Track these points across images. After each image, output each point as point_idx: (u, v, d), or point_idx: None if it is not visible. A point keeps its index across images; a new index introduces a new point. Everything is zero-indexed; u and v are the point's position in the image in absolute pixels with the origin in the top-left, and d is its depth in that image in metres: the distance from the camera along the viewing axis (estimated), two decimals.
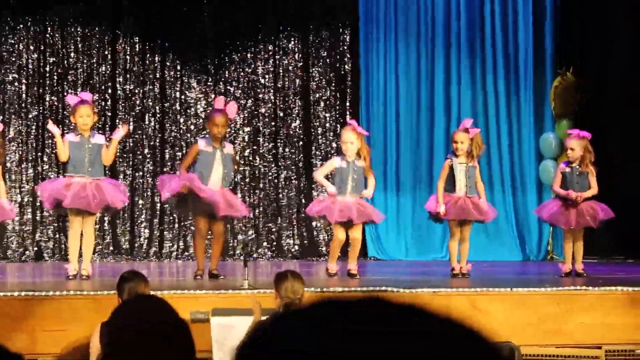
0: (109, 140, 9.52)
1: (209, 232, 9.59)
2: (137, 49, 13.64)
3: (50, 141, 12.93)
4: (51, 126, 9.34)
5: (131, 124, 13.48)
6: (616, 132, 13.51)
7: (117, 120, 13.43)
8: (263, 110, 13.84)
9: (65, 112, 12.79)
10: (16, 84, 13.31)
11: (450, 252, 9.93)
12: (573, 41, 14.00)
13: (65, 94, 12.75)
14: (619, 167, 13.27)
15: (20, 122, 13.28)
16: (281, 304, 5.83)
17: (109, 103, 13.51)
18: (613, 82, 13.68)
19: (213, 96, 13.31)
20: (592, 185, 9.78)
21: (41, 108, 13.30)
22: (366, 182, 9.72)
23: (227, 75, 13.79)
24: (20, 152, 13.24)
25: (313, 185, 13.62)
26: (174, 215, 13.38)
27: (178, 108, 13.68)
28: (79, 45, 13.47)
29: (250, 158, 13.78)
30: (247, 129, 13.79)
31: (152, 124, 13.65)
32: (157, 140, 13.61)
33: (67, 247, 9.74)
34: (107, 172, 9.91)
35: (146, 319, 2.90)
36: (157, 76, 13.68)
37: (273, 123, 13.83)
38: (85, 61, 13.48)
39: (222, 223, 9.46)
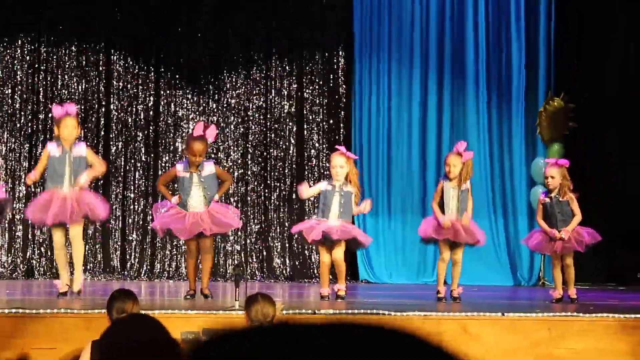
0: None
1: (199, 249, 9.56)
2: (130, 68, 13.65)
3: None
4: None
5: (123, 142, 13.53)
6: (613, 130, 13.55)
7: (111, 137, 13.48)
8: (255, 131, 13.85)
9: None
10: (9, 101, 13.32)
11: (438, 273, 9.91)
12: (569, 40, 14.02)
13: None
14: (616, 166, 13.31)
15: (12, 139, 13.28)
16: (251, 327, 5.81)
17: (102, 122, 13.53)
18: (610, 81, 13.72)
19: (205, 116, 13.36)
20: (575, 212, 9.75)
21: (34, 125, 13.30)
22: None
23: (219, 96, 13.81)
24: (12, 169, 13.23)
25: (305, 207, 13.62)
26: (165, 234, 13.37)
27: (170, 127, 13.69)
28: (73, 63, 13.49)
29: (242, 179, 13.78)
30: (238, 150, 13.79)
31: (144, 142, 13.65)
32: (150, 159, 13.60)
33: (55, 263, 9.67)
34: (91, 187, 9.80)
35: (137, 337, 2.89)
36: (150, 95, 13.69)
37: (264, 143, 13.84)
38: (78, 79, 13.49)
39: (209, 239, 9.44)
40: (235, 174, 13.69)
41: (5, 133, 13.26)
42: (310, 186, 10.07)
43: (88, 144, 9.68)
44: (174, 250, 13.48)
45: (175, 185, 9.86)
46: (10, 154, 13.26)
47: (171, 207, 9.33)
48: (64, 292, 9.02)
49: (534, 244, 10.00)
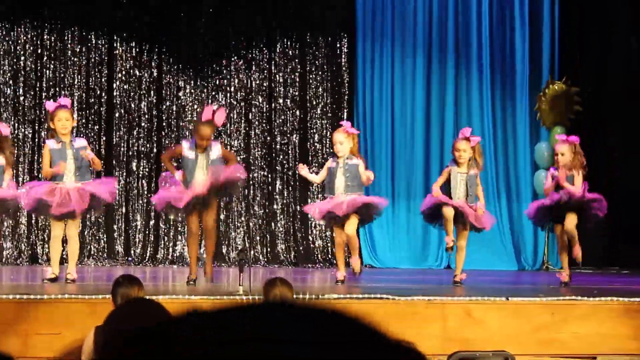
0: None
1: (201, 231, 9.52)
2: (134, 55, 13.64)
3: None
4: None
5: (126, 128, 13.53)
6: (617, 125, 13.53)
7: (114, 123, 13.48)
8: (259, 117, 13.84)
9: None
10: (12, 87, 13.32)
11: (446, 229, 9.74)
12: (572, 34, 13.98)
13: (64, 96, 12.71)
14: (619, 161, 13.30)
15: (16, 125, 13.28)
16: None
17: (104, 108, 13.53)
18: (613, 75, 13.69)
19: (208, 102, 13.34)
20: (575, 184, 9.66)
21: (37, 112, 13.30)
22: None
23: (222, 82, 13.79)
24: (16, 155, 13.23)
25: (308, 193, 13.62)
26: (169, 219, 13.37)
27: (173, 113, 13.68)
28: (76, 50, 13.48)
29: (246, 163, 13.78)
30: (242, 136, 13.78)
31: (147, 128, 13.65)
32: (153, 145, 13.60)
33: (49, 252, 9.71)
34: (94, 173, 9.78)
35: (141, 322, 2.89)
36: (153, 82, 13.69)
37: (269, 129, 13.82)
38: (81, 66, 13.48)
39: (211, 217, 9.35)
40: (239, 158, 13.68)
41: (9, 119, 13.25)
42: (317, 173, 10.04)
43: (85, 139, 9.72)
44: (178, 235, 13.48)
45: (178, 163, 9.84)
46: (14, 140, 13.25)
47: (173, 184, 9.28)
48: (51, 278, 9.05)
49: (535, 209, 9.95)
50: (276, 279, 6.00)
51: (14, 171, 13.03)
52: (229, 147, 13.51)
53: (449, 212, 9.52)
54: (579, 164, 9.71)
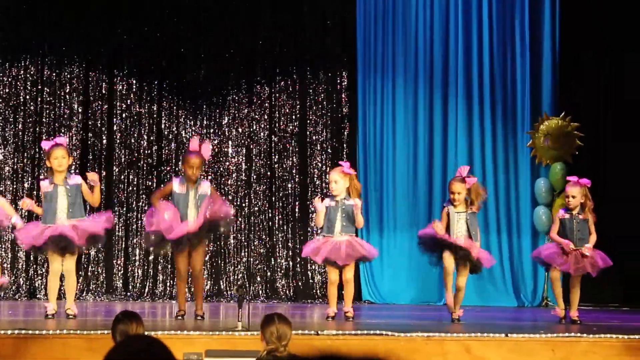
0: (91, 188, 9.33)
1: (189, 271, 9.52)
2: (133, 90, 13.67)
3: None
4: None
5: (126, 164, 13.54)
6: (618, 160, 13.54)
7: (113, 158, 13.49)
8: (258, 152, 13.84)
9: None
10: (13, 123, 13.33)
11: (446, 283, 9.77)
12: (573, 68, 13.97)
13: (60, 134, 12.71)
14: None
15: (16, 161, 13.28)
16: (266, 349, 5.74)
17: (104, 142, 13.54)
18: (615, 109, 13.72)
19: (208, 137, 13.37)
20: (591, 232, 9.71)
21: (37, 148, 13.29)
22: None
23: (222, 117, 13.81)
24: (16, 191, 13.23)
25: (308, 228, 13.61)
26: (159, 254, 13.28)
27: (173, 148, 13.69)
28: (76, 86, 13.50)
29: (246, 199, 13.78)
30: (242, 171, 13.79)
31: (147, 163, 13.65)
32: (153, 181, 13.59)
33: (47, 287, 9.70)
34: (88, 212, 9.77)
35: (140, 359, 2.87)
36: (153, 117, 13.70)
37: (268, 164, 13.83)
38: (81, 102, 13.50)
39: (199, 261, 9.39)
40: (240, 194, 13.69)
41: (9, 154, 13.26)
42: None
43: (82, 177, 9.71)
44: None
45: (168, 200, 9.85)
46: (14, 175, 13.26)
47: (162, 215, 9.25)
48: (52, 313, 9.06)
49: (546, 254, 9.87)
50: (274, 315, 5.95)
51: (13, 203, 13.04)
52: (225, 182, 13.53)
53: (449, 262, 9.52)
54: (589, 208, 9.71)
